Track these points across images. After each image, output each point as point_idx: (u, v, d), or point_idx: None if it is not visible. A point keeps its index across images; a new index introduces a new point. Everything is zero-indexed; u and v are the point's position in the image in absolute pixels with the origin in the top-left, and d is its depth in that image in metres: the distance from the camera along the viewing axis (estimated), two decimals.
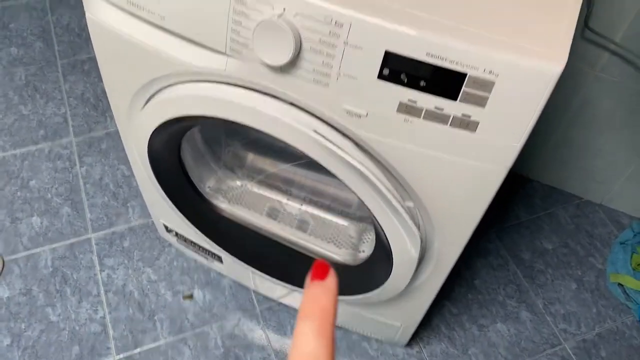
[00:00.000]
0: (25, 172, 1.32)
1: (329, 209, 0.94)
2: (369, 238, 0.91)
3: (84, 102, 1.46)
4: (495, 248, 1.28)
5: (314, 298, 0.28)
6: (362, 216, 0.92)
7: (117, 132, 1.40)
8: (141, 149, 0.79)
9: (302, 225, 0.94)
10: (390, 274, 0.75)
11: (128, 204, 1.29)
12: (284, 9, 0.55)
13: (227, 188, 0.96)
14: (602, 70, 1.07)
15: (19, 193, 1.28)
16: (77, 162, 1.35)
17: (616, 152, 1.21)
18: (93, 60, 1.53)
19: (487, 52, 0.51)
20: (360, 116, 0.59)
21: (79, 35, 1.61)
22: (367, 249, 0.90)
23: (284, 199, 0.96)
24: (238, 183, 0.96)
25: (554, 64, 0.50)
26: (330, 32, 0.55)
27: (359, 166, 0.62)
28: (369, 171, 0.63)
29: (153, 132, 0.74)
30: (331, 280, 0.29)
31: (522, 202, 1.36)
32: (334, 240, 0.92)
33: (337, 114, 0.60)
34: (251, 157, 0.97)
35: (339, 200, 0.93)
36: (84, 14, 0.68)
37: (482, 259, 1.26)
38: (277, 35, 0.55)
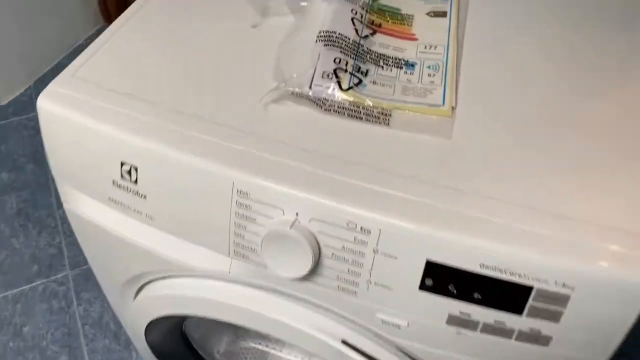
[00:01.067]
0: (18, 316, 1.21)
1: None
2: None
3: None
4: None
5: None
6: None
7: None
8: (138, 336, 0.68)
9: None
10: None
11: (131, 346, 1.16)
12: (297, 214, 0.45)
13: (239, 350, 0.84)
14: None
15: (11, 343, 1.17)
16: (74, 300, 1.24)
17: None
18: None
19: (557, 262, 0.40)
20: (399, 326, 0.48)
21: None
22: None
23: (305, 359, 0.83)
24: (251, 344, 0.84)
25: None
26: (355, 239, 0.44)
27: None
28: None
29: (148, 325, 0.63)
30: None
31: None
32: None
33: (370, 323, 0.49)
34: None
35: None
36: None
37: None
38: (290, 247, 0.45)
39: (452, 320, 0.46)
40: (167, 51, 0.56)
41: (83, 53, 0.55)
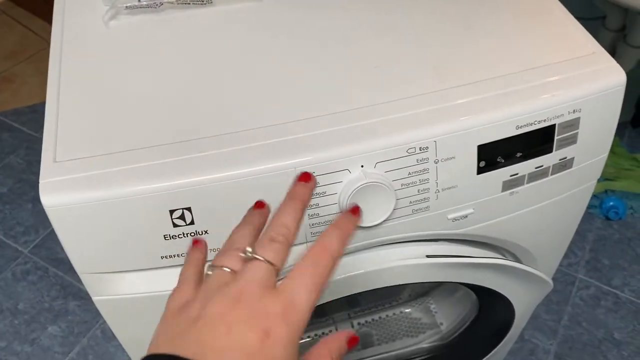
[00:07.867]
0: None
1: (381, 308, 0.88)
2: (435, 309, 0.87)
3: None
4: None
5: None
6: (417, 293, 0.87)
7: None
8: None
9: (366, 340, 0.86)
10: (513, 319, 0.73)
11: None
12: (362, 166, 0.48)
13: None
14: None
15: None
16: None
17: None
18: None
19: (566, 96, 0.51)
20: (466, 215, 0.55)
21: None
22: (443, 320, 0.86)
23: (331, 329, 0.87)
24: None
25: (618, 76, 0.52)
26: (417, 160, 0.50)
27: (479, 261, 0.59)
28: (487, 258, 0.60)
29: None
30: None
31: None
32: (406, 333, 0.86)
33: (443, 227, 0.56)
34: None
35: (387, 295, 0.87)
36: None
37: None
38: (370, 196, 0.48)
39: (506, 186, 0.54)
40: (115, 95, 0.53)
41: (45, 137, 0.49)
